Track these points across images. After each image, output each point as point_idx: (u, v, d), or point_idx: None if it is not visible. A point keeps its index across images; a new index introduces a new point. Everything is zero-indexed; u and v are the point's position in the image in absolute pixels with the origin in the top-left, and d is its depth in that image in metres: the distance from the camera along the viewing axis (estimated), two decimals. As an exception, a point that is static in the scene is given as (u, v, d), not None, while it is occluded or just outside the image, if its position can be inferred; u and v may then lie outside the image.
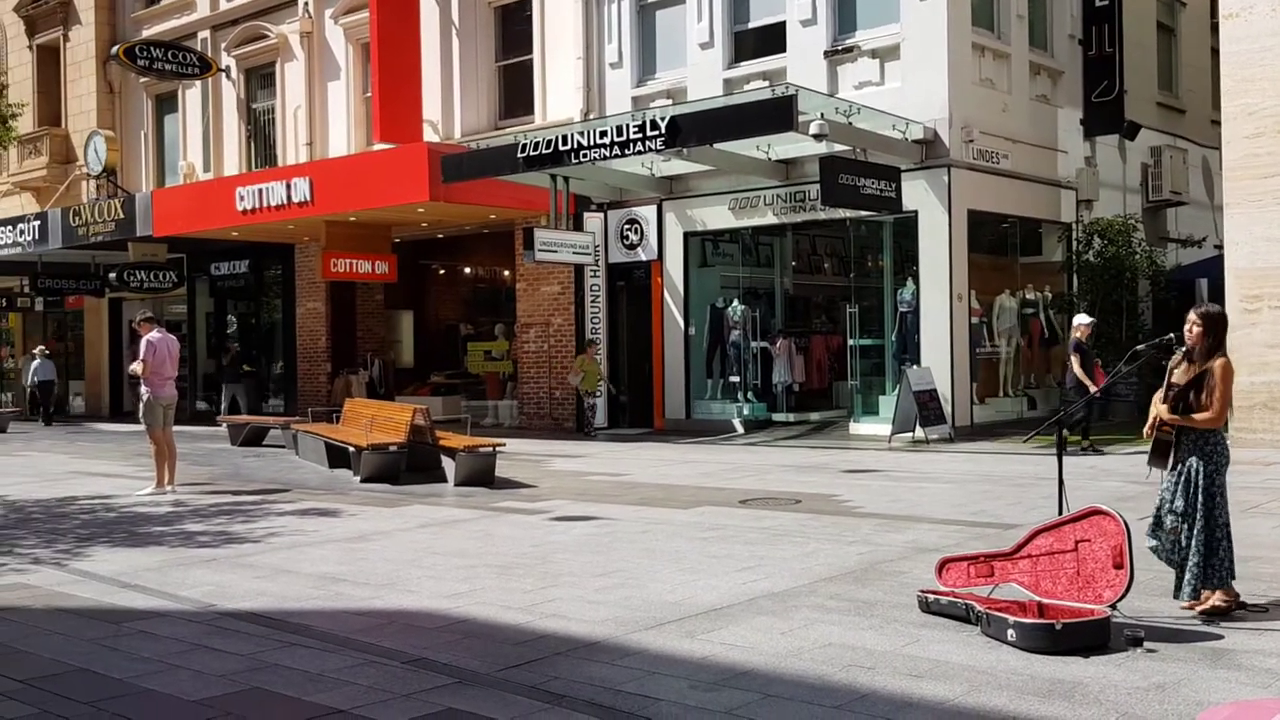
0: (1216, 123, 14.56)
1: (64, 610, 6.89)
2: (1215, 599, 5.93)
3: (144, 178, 27.38)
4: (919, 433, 15.36)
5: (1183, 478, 6.00)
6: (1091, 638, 5.44)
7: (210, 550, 8.90)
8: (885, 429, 15.80)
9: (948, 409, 15.77)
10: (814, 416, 18.65)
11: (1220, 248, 16.44)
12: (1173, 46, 21.79)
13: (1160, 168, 20.06)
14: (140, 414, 12.84)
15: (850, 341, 17.48)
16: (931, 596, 6.24)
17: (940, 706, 4.74)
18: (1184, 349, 6.12)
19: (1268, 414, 13.33)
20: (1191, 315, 6.16)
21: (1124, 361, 6.80)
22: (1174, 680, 4.96)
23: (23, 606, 7.01)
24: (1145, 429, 6.22)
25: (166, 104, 27.43)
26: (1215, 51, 14.91)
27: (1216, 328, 6.09)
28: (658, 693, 5.01)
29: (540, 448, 16.47)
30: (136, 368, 12.66)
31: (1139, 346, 6.46)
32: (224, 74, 25.35)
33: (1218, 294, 14.41)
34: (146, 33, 26.87)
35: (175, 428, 13.06)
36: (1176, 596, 6.01)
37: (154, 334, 12.72)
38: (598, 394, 18.98)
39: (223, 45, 25.42)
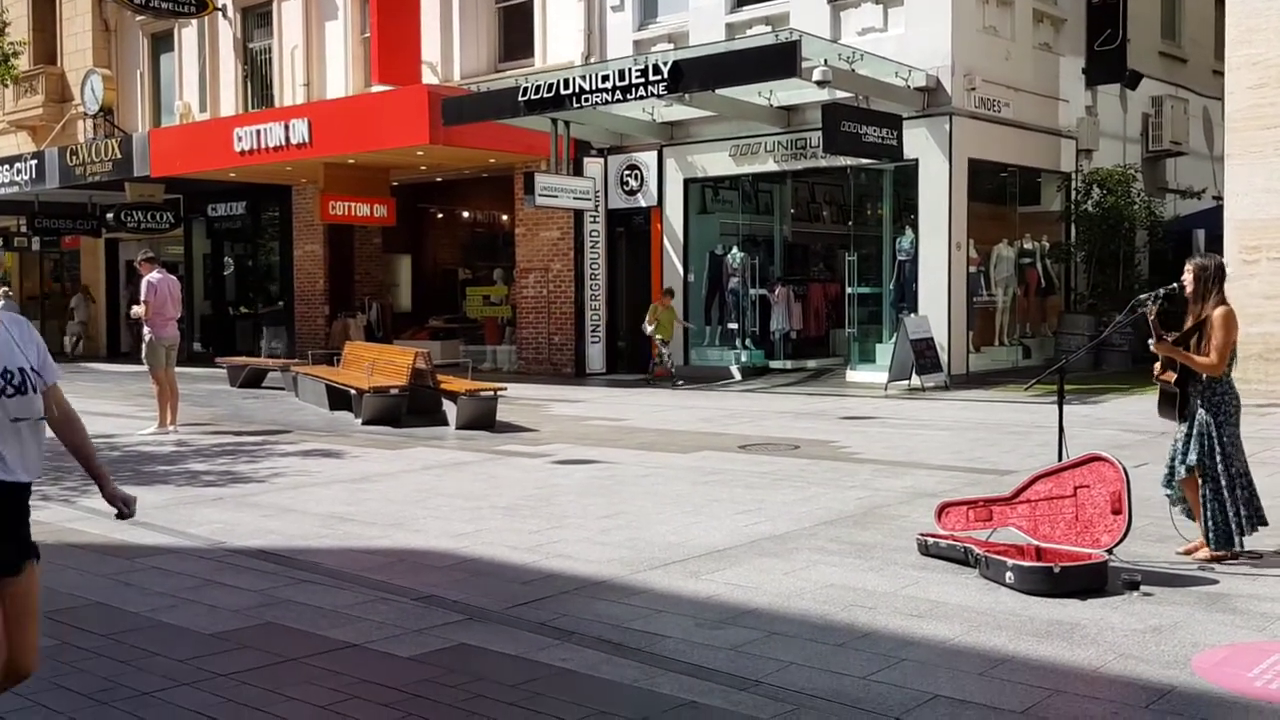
0: (1219, 73, 14.52)
1: (76, 546, 7.00)
2: (1220, 553, 6.03)
3: (140, 117, 27.17)
4: (915, 380, 15.46)
5: (1194, 430, 6.07)
6: (1089, 581, 5.56)
7: (216, 489, 9.00)
8: (882, 377, 15.90)
9: (944, 357, 15.86)
10: (811, 364, 18.74)
11: (1219, 199, 16.46)
12: (1176, -5, 21.65)
13: (1161, 118, 20.00)
14: (143, 355, 12.89)
15: (848, 289, 17.52)
16: (930, 540, 6.35)
17: (940, 645, 4.86)
18: (1159, 302, 6.18)
19: (1263, 364, 13.43)
20: (1187, 265, 6.23)
21: (1124, 313, 6.87)
22: (1170, 623, 5.08)
23: (36, 542, 7.09)
24: (1154, 374, 6.30)
25: (162, 43, 27.14)
26: (1220, 1, 14.82)
27: (1209, 277, 6.15)
28: (665, 630, 5.13)
29: (539, 392, 16.55)
30: (138, 310, 12.68)
31: (1141, 296, 6.53)
32: (220, 13, 25.07)
33: (1215, 245, 14.44)
34: (142, -30, 26.51)
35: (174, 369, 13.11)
36: (1212, 547, 6.07)
37: (155, 274, 12.73)
38: (668, 343, 18.12)
39: (219, -17, 25.11)
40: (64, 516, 7.88)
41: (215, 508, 8.22)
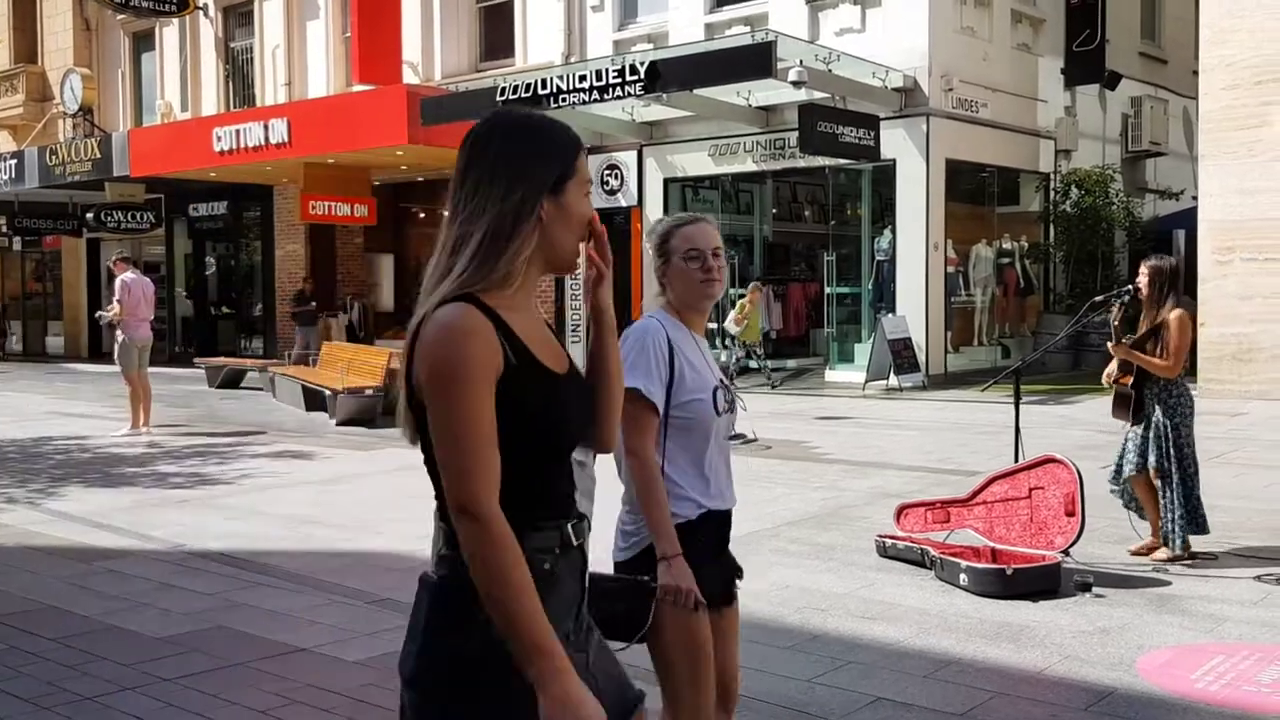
0: (1198, 73, 14.56)
1: (36, 549, 6.97)
2: (1174, 553, 6.06)
3: (121, 117, 27.10)
4: (893, 380, 15.48)
5: (1151, 431, 6.09)
6: (1042, 583, 5.58)
7: (183, 491, 8.97)
8: (860, 376, 15.91)
9: (922, 357, 15.88)
10: (791, 364, 18.75)
11: (1197, 199, 16.51)
12: (1156, -4, 21.72)
13: (1140, 118, 20.05)
14: (115, 355, 12.85)
15: (827, 289, 17.54)
16: (889, 541, 6.37)
17: (889, 647, 4.87)
18: (1119, 303, 6.20)
19: (1237, 365, 13.49)
20: (1142, 267, 6.25)
21: (1083, 311, 6.89)
22: (1118, 625, 5.10)
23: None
24: (1104, 376, 6.32)
25: (143, 42, 27.07)
26: (1198, 1, 14.87)
27: (1165, 280, 6.16)
28: (615, 633, 5.12)
29: (518, 392, 16.51)
30: (110, 311, 12.64)
31: (1098, 298, 6.54)
32: (202, 12, 25.01)
33: (1194, 245, 14.50)
34: (123, -31, 26.44)
35: (152, 369, 13.08)
36: (1173, 548, 6.08)
37: (128, 274, 12.71)
38: (756, 349, 16.71)
39: (200, -18, 25.07)
40: (28, 519, 7.85)
41: (180, 510, 8.19)
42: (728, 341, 16.23)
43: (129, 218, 24.31)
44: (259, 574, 6.30)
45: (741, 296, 16.41)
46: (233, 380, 18.28)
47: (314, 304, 21.61)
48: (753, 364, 16.49)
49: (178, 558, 6.73)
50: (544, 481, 2.00)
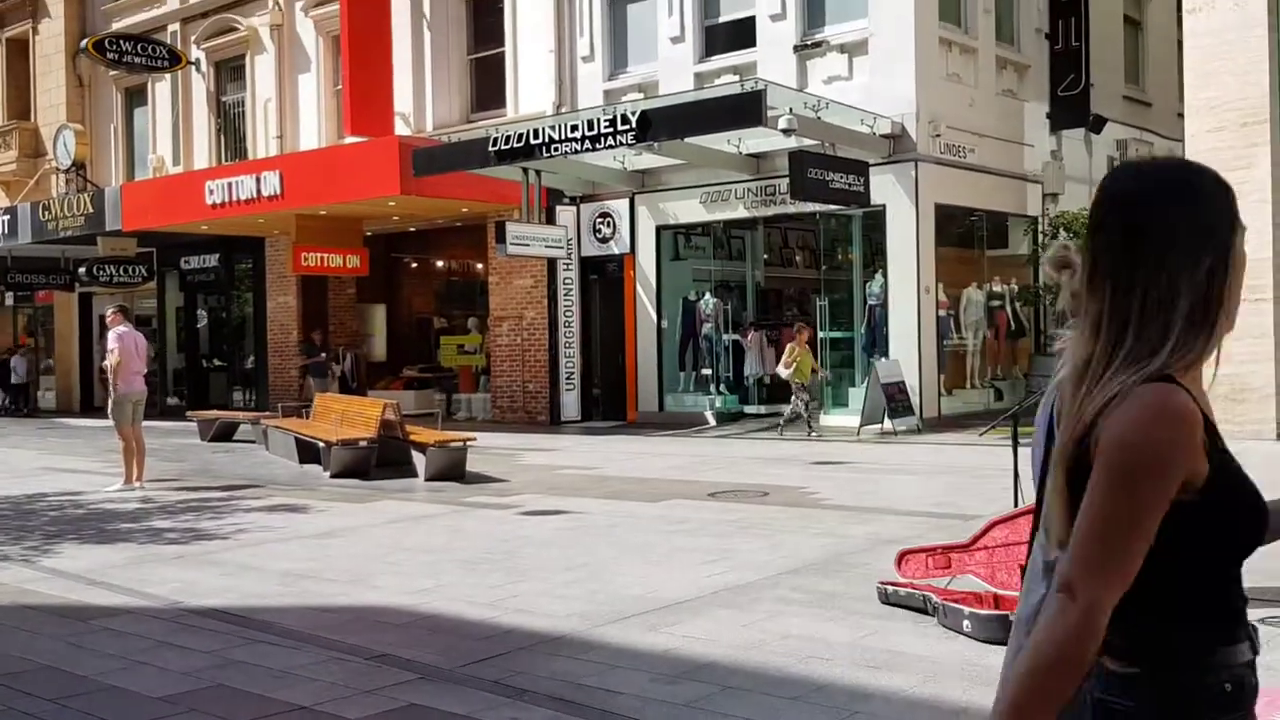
0: (1183, 115, 14.72)
1: (31, 607, 6.91)
2: None
3: (114, 171, 27.21)
4: (887, 424, 15.49)
5: None
6: (1045, 628, 5.54)
7: (178, 547, 8.91)
8: (855, 421, 15.92)
9: (916, 401, 15.90)
10: (785, 409, 18.73)
11: (1184, 240, 16.62)
12: (1139, 40, 21.99)
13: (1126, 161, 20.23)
14: (109, 410, 12.81)
15: (820, 334, 17.59)
16: (890, 588, 6.34)
17: (895, 697, 4.83)
18: None
19: (1230, 405, 13.50)
20: None
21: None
22: (1124, 669, 5.06)
23: (-12, 605, 7.02)
24: None
25: (136, 97, 27.26)
26: (1181, 44, 15.07)
27: None
28: (619, 686, 5.08)
29: (513, 441, 16.51)
30: (111, 361, 12.59)
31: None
32: (194, 67, 25.22)
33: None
34: (116, 25, 26.68)
35: (145, 423, 13.04)
36: None
37: (121, 327, 12.71)
38: (809, 387, 16.37)
39: (192, 38, 25.28)
40: (23, 577, 7.79)
41: (175, 566, 8.13)
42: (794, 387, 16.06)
43: (121, 271, 24.33)
44: (257, 631, 6.25)
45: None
46: (225, 433, 18.22)
47: (324, 355, 21.49)
48: (801, 408, 16.12)
49: (174, 615, 6.68)
50: (1236, 585, 1.81)
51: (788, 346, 16.20)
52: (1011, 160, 18.06)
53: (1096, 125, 19.07)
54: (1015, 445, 6.65)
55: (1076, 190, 19.24)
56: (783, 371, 16.13)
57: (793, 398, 16.11)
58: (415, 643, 5.89)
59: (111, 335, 12.65)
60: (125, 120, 27.51)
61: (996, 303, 18.26)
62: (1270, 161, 13.43)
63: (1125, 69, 21.16)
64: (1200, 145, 13.97)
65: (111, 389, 12.69)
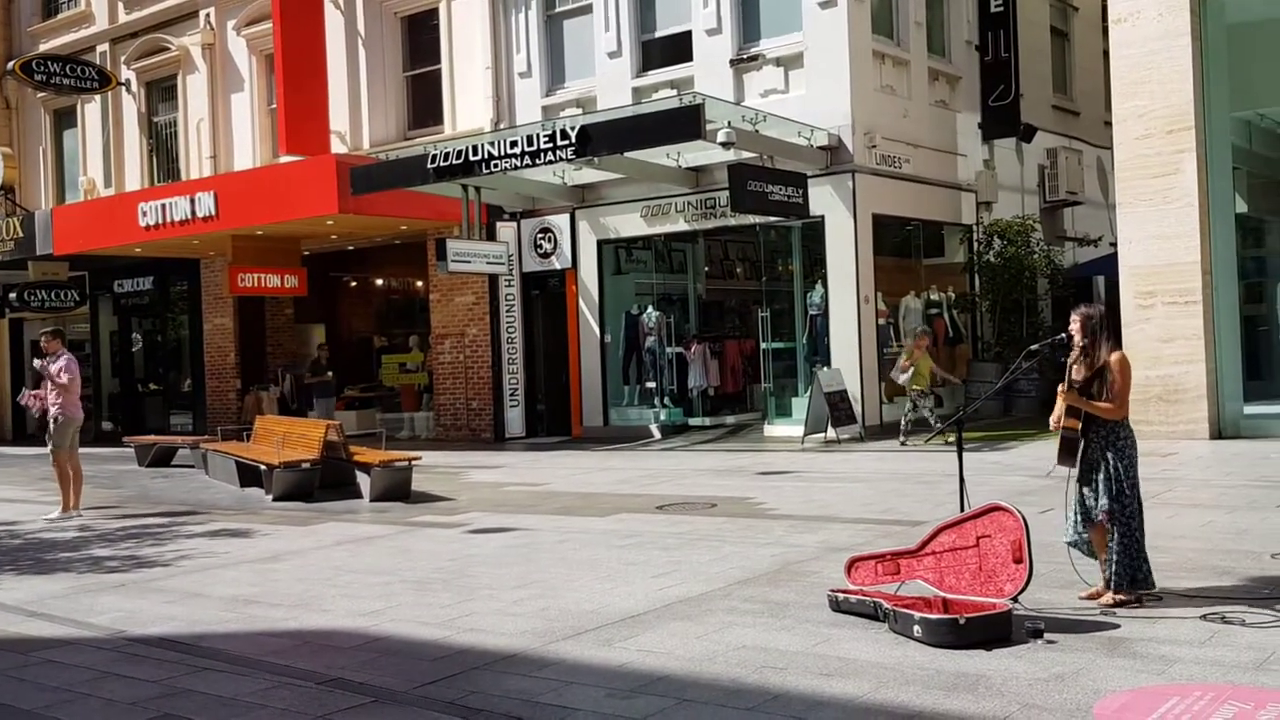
0: (1110, 124, 15.05)
1: (-33, 643, 6.74)
2: (1122, 596, 6.14)
3: (43, 195, 26.70)
4: (831, 433, 15.61)
5: (1101, 474, 6.18)
6: (994, 631, 5.62)
7: (119, 575, 8.74)
8: (798, 430, 16.02)
9: (858, 409, 16.05)
10: (729, 420, 18.84)
11: (1116, 245, 16.97)
12: (1066, 50, 22.43)
13: (1056, 169, 20.63)
14: (48, 435, 12.51)
15: (763, 345, 17.70)
16: (841, 595, 6.38)
17: (849, 704, 4.87)
18: (1081, 346, 6.32)
19: (1164, 406, 13.80)
20: (1073, 315, 6.39)
21: (1020, 359, 7.03)
22: (1072, 670, 5.15)
23: (-77, 641, 6.83)
24: (1052, 419, 6.40)
25: (65, 119, 26.79)
26: (1107, 54, 15.39)
27: (1096, 325, 6.31)
28: (574, 702, 5.07)
29: (458, 459, 16.41)
30: (64, 384, 12.24)
31: (1033, 346, 6.68)
32: (124, 87, 24.84)
33: (1114, 291, 14.87)
34: (44, 46, 26.22)
35: (81, 449, 12.79)
36: (1113, 589, 6.17)
37: (64, 352, 12.50)
38: (927, 394, 15.55)
39: (122, 58, 24.90)
40: (-44, 611, 7.59)
41: (117, 595, 7.98)
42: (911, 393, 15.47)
43: (53, 296, 23.88)
44: (204, 658, 6.14)
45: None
46: (163, 458, 17.91)
47: (330, 373, 20.70)
48: (925, 413, 15.32)
49: (118, 644, 6.55)
50: None
51: (904, 351, 16.01)
52: (945, 170, 18.32)
53: (1027, 134, 19.43)
54: (960, 450, 6.74)
55: (1009, 198, 19.60)
56: (900, 377, 15.64)
57: (908, 405, 15.42)
58: (367, 665, 5.83)
59: (63, 359, 12.34)
60: (54, 142, 27.01)
61: (934, 310, 18.50)
62: (1196, 167, 13.76)
63: (1054, 79, 21.59)
64: (1128, 152, 14.29)
65: (57, 415, 12.35)
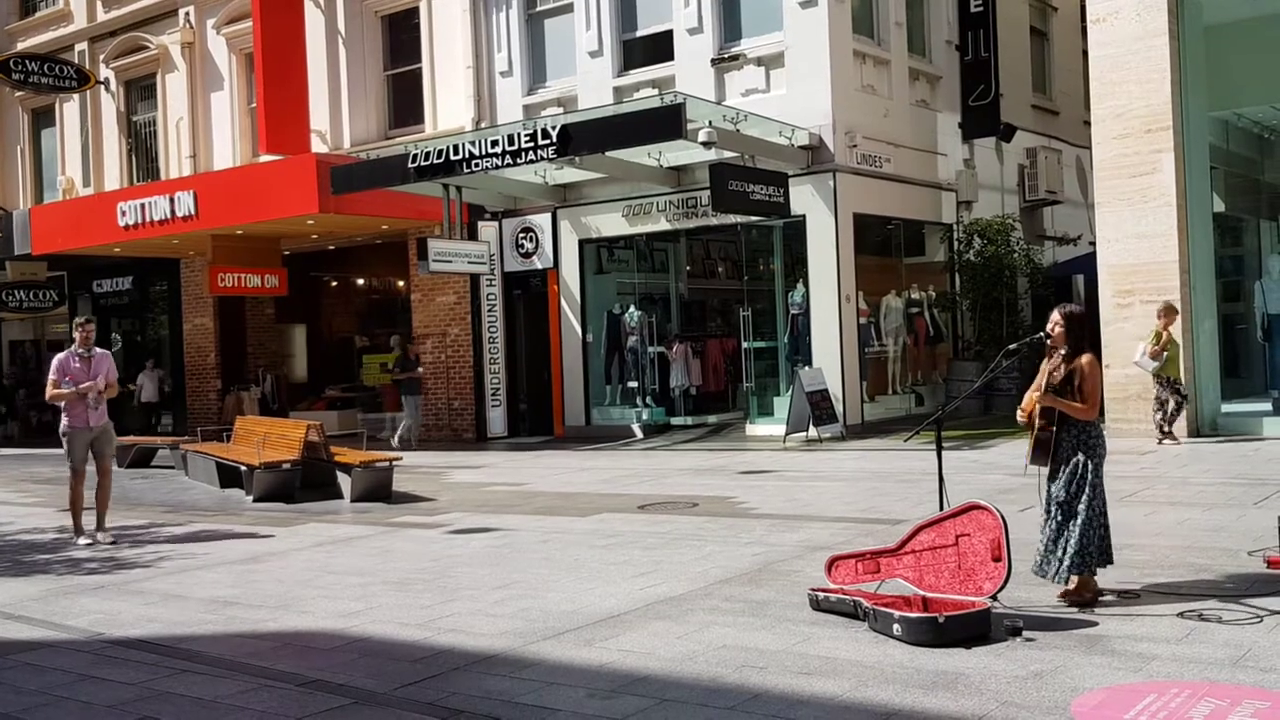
0: (1089, 123, 15.12)
1: (-56, 646, 6.69)
2: (1079, 584, 6.19)
3: (21, 194, 26.53)
4: (812, 432, 15.65)
5: (1068, 469, 6.23)
6: (974, 629, 5.65)
7: (98, 577, 8.70)
8: (780, 429, 16.06)
9: (839, 408, 16.09)
10: (711, 419, 18.86)
11: (1095, 244, 17.08)
12: (1045, 50, 22.54)
13: (1036, 168, 20.72)
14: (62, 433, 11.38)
15: (745, 344, 17.73)
16: (821, 594, 6.40)
17: (829, 703, 4.89)
18: (1062, 354, 6.36)
19: (1142, 404, 13.86)
20: (1054, 315, 6.43)
21: (999, 358, 7.06)
22: (1051, 668, 5.18)
23: None
24: (1019, 413, 6.43)
25: (44, 118, 26.62)
26: (1086, 54, 15.46)
27: (1078, 326, 6.36)
28: (555, 703, 5.07)
29: (439, 459, 16.37)
30: (101, 384, 10.87)
31: (1012, 345, 6.71)
32: (103, 86, 24.70)
33: (1093, 289, 14.94)
34: (21, 45, 26.06)
35: (57, 450, 12.62)
36: (1054, 580, 6.23)
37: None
38: (1181, 387, 13.10)
39: (101, 57, 24.76)
40: (-67, 614, 7.54)
41: (96, 597, 7.94)
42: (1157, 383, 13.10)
43: (31, 296, 23.75)
44: (183, 660, 6.12)
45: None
46: (143, 459, 17.82)
47: (420, 369, 19.60)
48: (1171, 407, 13.11)
49: (97, 647, 6.51)
50: None
51: (1153, 333, 12.93)
52: (926, 169, 18.39)
53: (1006, 134, 19.51)
54: (940, 449, 6.76)
55: (989, 197, 19.67)
56: (1148, 364, 12.87)
57: (1156, 398, 13.04)
58: (347, 667, 5.82)
59: (107, 356, 11.10)
60: (33, 142, 26.84)
61: (915, 309, 18.57)
62: (1174, 166, 13.84)
63: (1033, 79, 21.68)
64: (1106, 152, 14.37)
65: (65, 430, 10.74)
